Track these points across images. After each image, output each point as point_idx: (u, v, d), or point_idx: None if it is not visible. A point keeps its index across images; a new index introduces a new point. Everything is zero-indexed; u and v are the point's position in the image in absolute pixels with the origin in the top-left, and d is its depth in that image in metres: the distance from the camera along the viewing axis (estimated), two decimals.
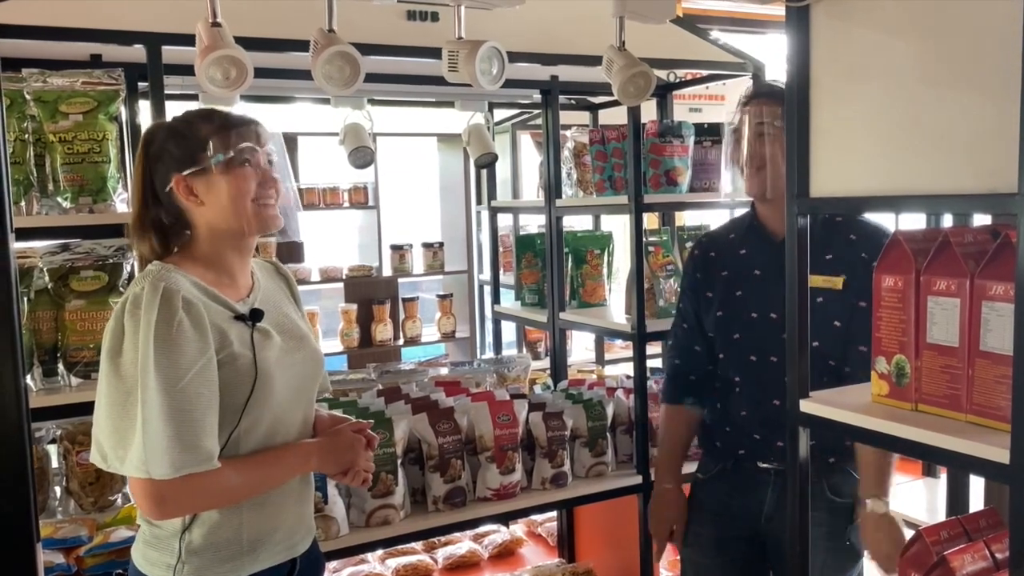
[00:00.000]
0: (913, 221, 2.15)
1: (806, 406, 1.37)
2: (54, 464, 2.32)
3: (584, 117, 3.57)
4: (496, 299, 3.47)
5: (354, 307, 5.17)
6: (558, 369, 3.06)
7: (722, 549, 2.01)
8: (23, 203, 1.91)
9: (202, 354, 1.37)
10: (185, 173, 1.44)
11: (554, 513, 3.08)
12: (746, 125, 1.89)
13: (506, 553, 3.07)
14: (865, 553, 1.88)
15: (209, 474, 1.37)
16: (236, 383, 1.42)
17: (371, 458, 1.63)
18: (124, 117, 2.05)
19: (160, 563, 1.45)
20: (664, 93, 3.11)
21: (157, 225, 1.48)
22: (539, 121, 3.25)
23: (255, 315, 1.47)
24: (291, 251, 5.24)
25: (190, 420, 1.34)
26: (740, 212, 2.16)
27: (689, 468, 2.16)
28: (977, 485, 2.33)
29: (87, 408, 1.90)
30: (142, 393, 1.32)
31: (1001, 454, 1.07)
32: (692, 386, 2.09)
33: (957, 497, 2.38)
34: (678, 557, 2.23)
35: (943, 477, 2.91)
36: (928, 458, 2.28)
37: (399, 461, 2.14)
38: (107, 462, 1.38)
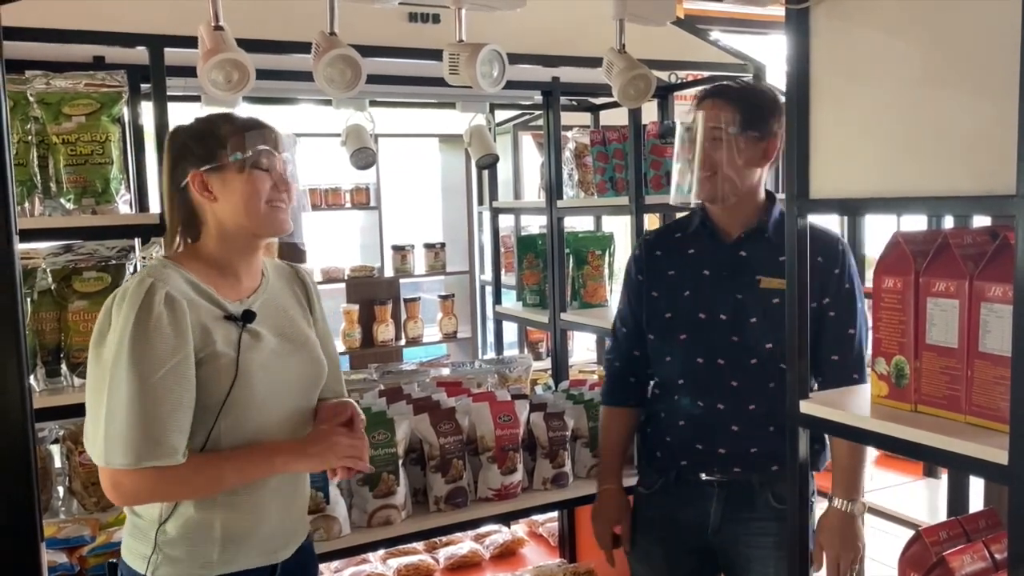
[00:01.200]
0: (915, 222, 2.15)
1: (806, 407, 1.38)
2: (57, 464, 2.33)
3: (585, 118, 3.57)
4: (497, 299, 3.47)
5: (356, 307, 5.19)
6: (559, 369, 3.07)
7: (672, 564, 1.97)
8: (26, 204, 1.91)
9: (177, 352, 1.38)
10: (202, 169, 1.46)
11: (555, 513, 3.08)
12: (699, 126, 1.85)
13: (507, 553, 3.07)
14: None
15: (168, 470, 1.37)
16: (215, 382, 1.42)
17: (358, 445, 1.57)
18: (127, 119, 2.06)
19: (138, 552, 1.47)
20: (665, 94, 3.11)
21: (180, 222, 1.52)
22: (540, 122, 3.25)
23: (247, 316, 1.48)
24: (292, 251, 5.24)
25: (156, 415, 1.35)
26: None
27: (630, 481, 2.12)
28: (977, 486, 2.33)
29: None
30: (110, 383, 1.35)
31: (1000, 455, 1.08)
32: (633, 388, 2.06)
33: (958, 498, 2.38)
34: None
35: (944, 478, 2.92)
36: (927, 459, 2.28)
37: (400, 461, 2.15)
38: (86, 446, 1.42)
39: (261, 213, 1.49)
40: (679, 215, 2.14)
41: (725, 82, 1.97)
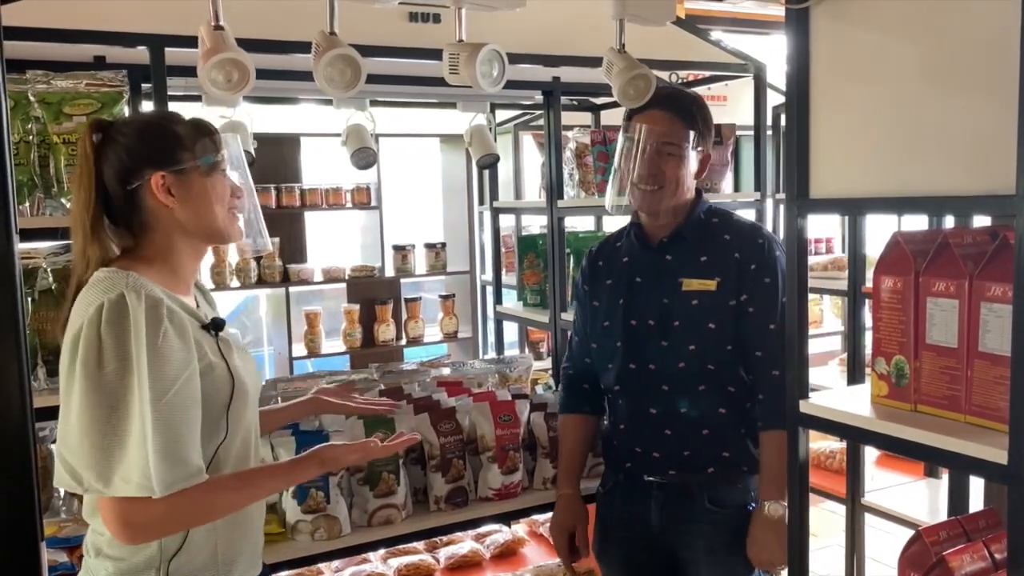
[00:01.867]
0: (915, 222, 2.15)
1: (805, 407, 1.38)
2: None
3: (586, 118, 3.57)
4: (498, 299, 3.48)
5: (357, 307, 5.19)
6: (560, 369, 3.06)
7: (630, 564, 1.99)
8: (27, 204, 1.91)
9: (187, 365, 1.31)
10: (165, 171, 1.37)
11: None
12: (643, 137, 1.83)
13: (508, 553, 3.07)
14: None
15: (194, 494, 1.30)
16: (215, 393, 1.37)
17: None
18: None
19: None
20: (665, 92, 3.10)
21: (110, 227, 1.41)
22: (541, 122, 3.26)
23: (216, 324, 1.42)
24: (294, 251, 5.25)
25: (177, 435, 1.27)
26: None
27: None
28: (978, 486, 2.33)
29: None
30: (132, 407, 1.25)
31: (999, 455, 1.08)
32: (586, 395, 2.09)
33: (958, 498, 2.38)
34: None
35: (944, 478, 2.91)
36: (927, 459, 2.28)
37: (401, 461, 2.15)
38: (83, 485, 1.28)
39: (223, 219, 1.43)
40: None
41: (667, 87, 1.99)
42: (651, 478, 1.90)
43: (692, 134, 1.84)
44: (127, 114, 2.03)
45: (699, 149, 1.87)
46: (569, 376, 2.15)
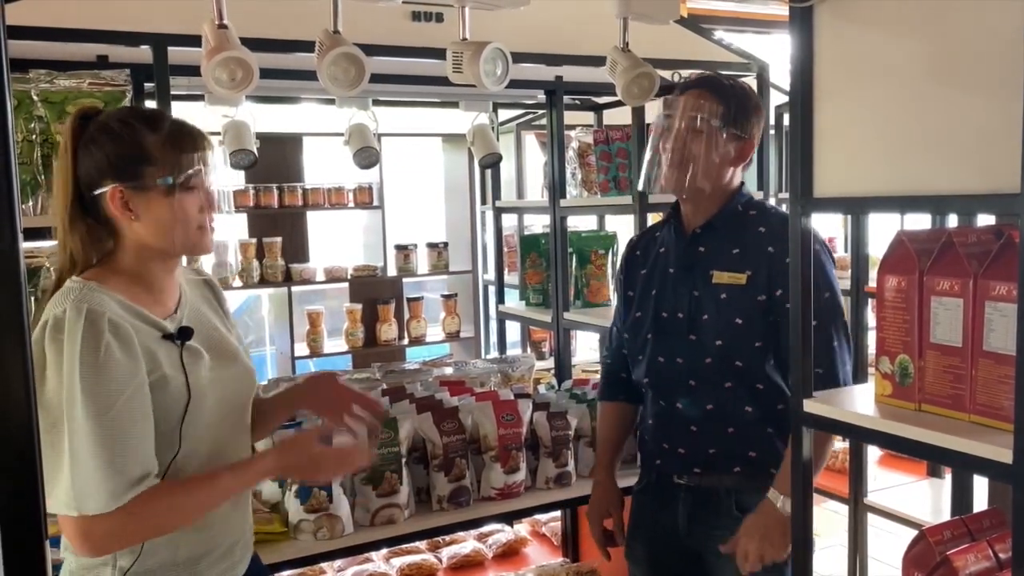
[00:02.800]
0: (919, 221, 2.15)
1: (809, 406, 1.37)
2: None
3: (588, 117, 3.57)
4: (500, 299, 3.48)
5: (359, 307, 5.19)
6: (562, 369, 3.07)
7: (655, 563, 1.97)
8: (30, 203, 1.92)
9: (133, 378, 1.28)
10: (124, 185, 1.33)
11: (558, 513, 3.08)
12: (679, 114, 1.79)
13: (510, 552, 3.07)
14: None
15: (147, 502, 1.27)
16: (168, 406, 1.33)
17: (351, 456, 1.51)
18: None
19: None
20: (669, 93, 3.10)
21: (87, 225, 1.37)
22: (543, 121, 3.25)
23: (184, 333, 1.38)
24: (296, 251, 5.25)
25: (124, 448, 1.25)
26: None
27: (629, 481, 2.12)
28: (981, 485, 2.33)
29: None
30: (69, 424, 1.23)
31: (1004, 454, 1.07)
32: (623, 384, 2.05)
33: (962, 497, 2.38)
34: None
35: (948, 478, 2.91)
36: (932, 458, 2.27)
37: (404, 460, 2.15)
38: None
39: (187, 237, 1.37)
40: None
41: (711, 74, 1.93)
42: (679, 480, 1.87)
43: (721, 110, 1.76)
44: None
45: (735, 132, 1.78)
46: (607, 366, 2.14)
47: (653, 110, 2.80)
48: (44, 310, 1.31)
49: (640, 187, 1.91)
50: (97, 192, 1.34)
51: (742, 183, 1.89)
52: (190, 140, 1.37)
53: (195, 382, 1.36)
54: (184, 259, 1.52)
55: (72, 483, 1.23)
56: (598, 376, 3.25)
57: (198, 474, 1.37)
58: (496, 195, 3.51)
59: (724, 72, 2.89)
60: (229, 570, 1.47)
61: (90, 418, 1.23)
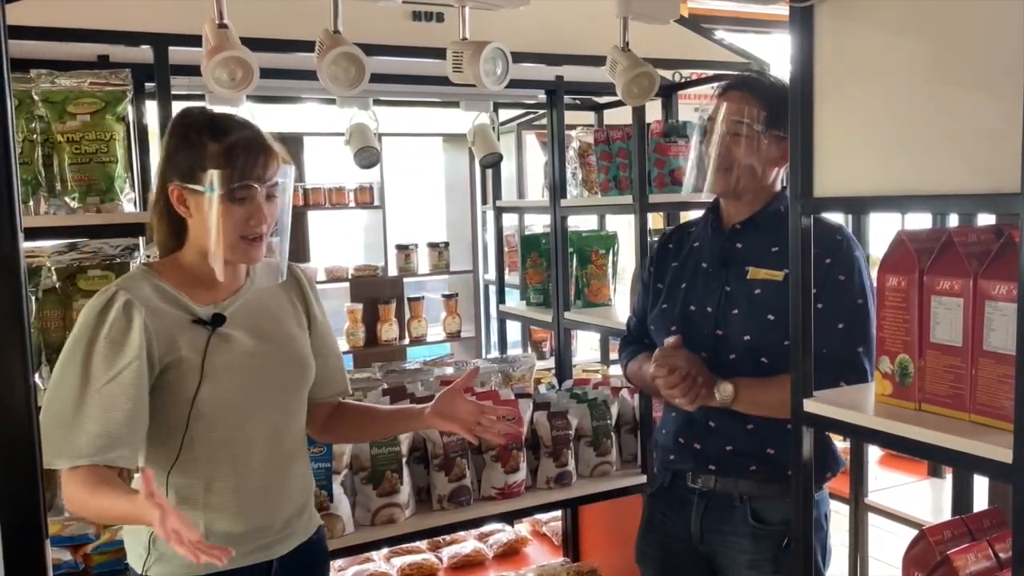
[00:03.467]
0: (919, 221, 2.15)
1: (810, 406, 1.37)
2: None
3: (589, 117, 3.57)
4: (501, 299, 3.48)
5: (360, 307, 5.19)
6: (563, 368, 3.07)
7: (667, 568, 1.95)
8: (31, 203, 1.92)
9: (122, 360, 1.39)
10: (182, 184, 1.45)
11: (559, 512, 3.09)
12: (721, 117, 1.79)
13: (511, 552, 3.07)
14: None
15: (73, 481, 1.37)
16: (180, 385, 1.44)
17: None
18: (131, 117, 2.06)
19: (134, 552, 1.51)
20: (669, 93, 3.10)
21: (163, 221, 1.52)
22: (544, 121, 3.25)
23: (216, 320, 1.48)
24: (297, 251, 5.25)
25: (88, 417, 1.36)
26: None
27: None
28: (982, 485, 2.33)
29: None
30: (54, 380, 1.39)
31: (1004, 453, 1.07)
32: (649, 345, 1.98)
33: (962, 497, 2.38)
34: None
35: (948, 478, 2.91)
36: (932, 458, 2.27)
37: (404, 460, 2.15)
38: None
39: (230, 245, 1.45)
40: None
41: (752, 74, 1.93)
42: (693, 485, 1.85)
43: (764, 115, 1.76)
44: (130, 113, 2.04)
45: (777, 133, 1.77)
46: (628, 341, 2.07)
47: (654, 110, 2.81)
48: None
49: (687, 189, 1.91)
50: (167, 186, 1.48)
51: (784, 186, 1.88)
52: (249, 156, 1.44)
53: (211, 365, 1.45)
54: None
55: (49, 439, 1.35)
56: (599, 376, 3.27)
57: (102, 487, 1.36)
58: (497, 195, 3.51)
59: (724, 72, 2.90)
60: (258, 552, 1.53)
61: (72, 386, 1.37)
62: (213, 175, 1.41)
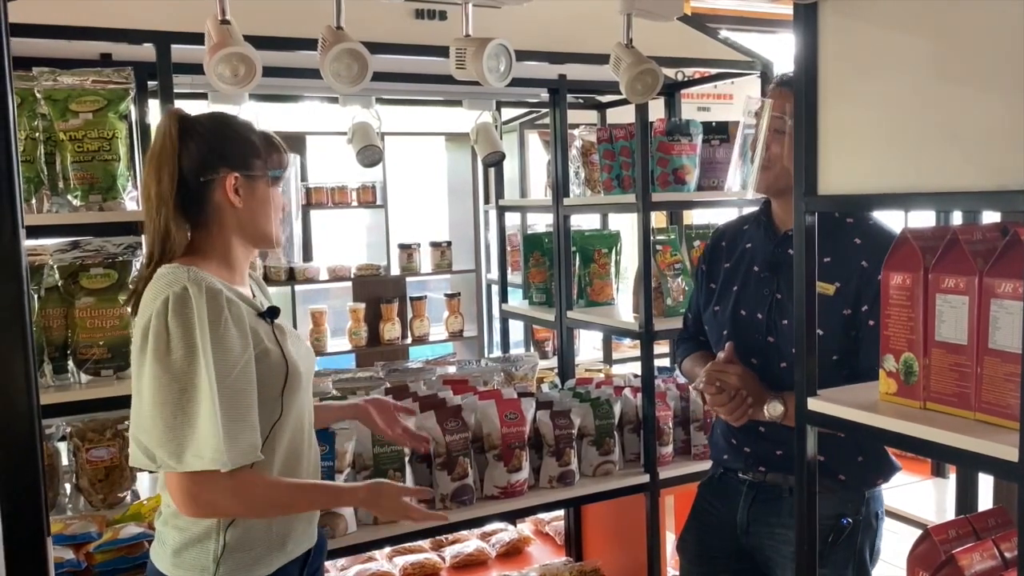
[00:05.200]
0: (923, 218, 2.14)
1: (814, 404, 1.37)
2: (64, 461, 2.33)
3: (592, 116, 3.57)
4: (504, 298, 3.47)
5: (362, 306, 5.19)
6: (566, 368, 3.06)
7: (707, 559, 1.95)
8: (33, 201, 1.92)
9: (245, 350, 1.42)
10: (239, 173, 1.50)
11: (561, 512, 3.09)
12: (765, 116, 1.78)
13: (513, 551, 3.07)
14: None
15: (252, 482, 1.42)
16: (271, 376, 1.48)
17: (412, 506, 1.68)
18: (134, 116, 2.06)
19: (195, 566, 1.46)
20: (672, 92, 3.10)
21: (179, 219, 1.50)
22: (547, 120, 3.25)
23: (272, 312, 1.54)
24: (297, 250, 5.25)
25: (238, 415, 1.39)
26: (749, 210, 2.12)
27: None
28: (986, 485, 2.32)
29: (97, 405, 1.91)
30: (200, 389, 1.36)
31: (1010, 452, 1.07)
32: (705, 343, 2.02)
33: (966, 497, 2.37)
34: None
35: (952, 477, 2.90)
36: (937, 456, 2.27)
37: (406, 459, 2.15)
38: (156, 462, 1.40)
39: (274, 227, 1.56)
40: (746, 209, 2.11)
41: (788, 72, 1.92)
42: (744, 476, 1.87)
43: None
44: (133, 111, 2.04)
45: None
46: (684, 337, 2.11)
47: (656, 109, 2.80)
48: (146, 293, 1.44)
49: (739, 188, 1.95)
50: (208, 178, 1.48)
51: None
52: (281, 145, 1.58)
53: (289, 354, 1.52)
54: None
55: (200, 443, 1.35)
56: (602, 376, 3.26)
57: (297, 480, 1.53)
58: (499, 194, 3.51)
59: (730, 72, 2.90)
60: (306, 541, 1.59)
61: (211, 385, 1.36)
62: (276, 159, 1.54)
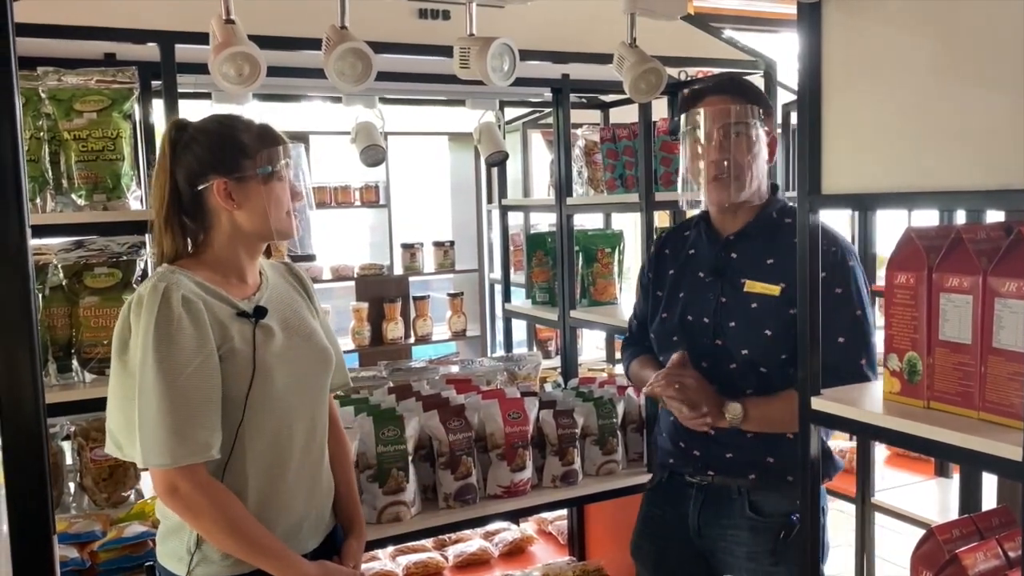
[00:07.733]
0: (926, 218, 2.14)
1: (818, 404, 1.37)
2: (68, 460, 2.33)
3: (595, 115, 3.57)
4: (507, 297, 3.47)
5: (365, 305, 5.19)
6: (568, 367, 3.06)
7: (660, 562, 1.94)
8: (38, 200, 1.92)
9: (200, 350, 1.42)
10: (227, 178, 1.50)
11: (564, 511, 3.08)
12: (709, 123, 1.74)
13: (516, 551, 3.07)
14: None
15: (226, 492, 1.44)
16: (236, 377, 1.47)
17: None
18: (138, 115, 2.06)
19: (174, 555, 1.51)
20: (675, 91, 3.09)
21: (181, 222, 1.54)
22: (550, 119, 3.25)
23: (258, 312, 1.52)
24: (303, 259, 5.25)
25: (186, 413, 1.40)
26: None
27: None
28: (990, 484, 2.32)
29: (101, 404, 1.91)
30: (140, 386, 1.40)
31: (1013, 451, 1.07)
32: (651, 348, 1.99)
33: (970, 496, 2.37)
34: None
35: (955, 477, 2.90)
36: (940, 456, 2.27)
37: (410, 458, 2.15)
38: (123, 451, 1.49)
39: (280, 221, 1.55)
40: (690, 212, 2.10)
41: (727, 77, 1.90)
42: (692, 479, 1.86)
43: (758, 110, 1.74)
44: (137, 111, 2.04)
45: (766, 129, 1.77)
46: (630, 342, 2.08)
47: (660, 108, 2.80)
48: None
49: (681, 205, 1.85)
50: (201, 187, 1.51)
51: (775, 186, 1.86)
52: (275, 138, 1.57)
53: (262, 357, 1.49)
54: (269, 248, 1.69)
55: (141, 440, 1.40)
56: (605, 375, 3.26)
57: (258, 527, 1.48)
58: (502, 193, 3.51)
59: (730, 70, 2.90)
60: (297, 544, 1.57)
61: (159, 383, 1.39)
62: (264, 155, 1.52)
